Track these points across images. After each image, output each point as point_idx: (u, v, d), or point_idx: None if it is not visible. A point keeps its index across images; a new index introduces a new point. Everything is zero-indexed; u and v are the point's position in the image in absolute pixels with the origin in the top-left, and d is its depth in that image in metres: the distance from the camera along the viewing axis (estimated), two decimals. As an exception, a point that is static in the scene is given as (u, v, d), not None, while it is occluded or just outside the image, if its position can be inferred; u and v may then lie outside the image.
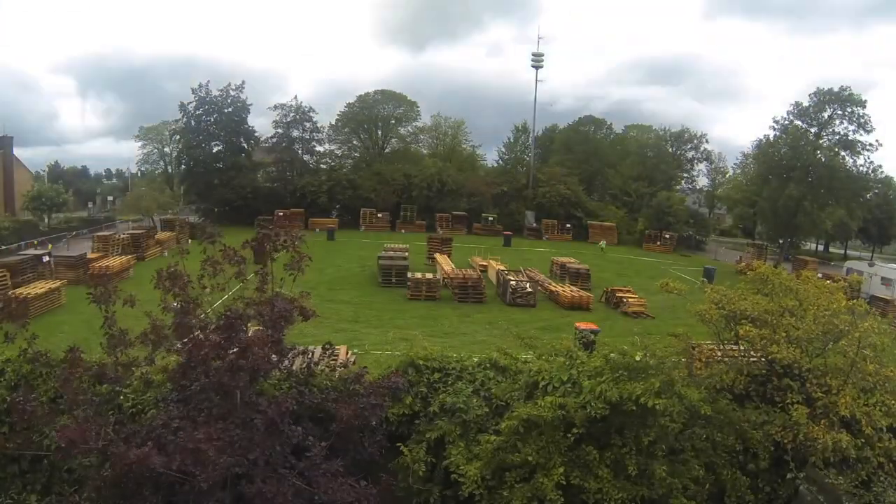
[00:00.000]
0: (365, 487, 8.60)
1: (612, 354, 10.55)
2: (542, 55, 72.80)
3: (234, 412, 8.50)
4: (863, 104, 55.33)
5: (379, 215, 63.52)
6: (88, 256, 35.56)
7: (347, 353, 15.35)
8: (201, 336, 8.99)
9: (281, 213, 50.12)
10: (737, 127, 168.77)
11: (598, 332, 19.91)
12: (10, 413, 10.63)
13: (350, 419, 9.16)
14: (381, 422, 10.44)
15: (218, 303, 10.75)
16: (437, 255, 38.72)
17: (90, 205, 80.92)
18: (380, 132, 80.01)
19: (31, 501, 10.14)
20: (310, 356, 10.33)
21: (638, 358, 10.52)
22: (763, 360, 11.60)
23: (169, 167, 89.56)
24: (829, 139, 57.57)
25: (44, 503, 10.23)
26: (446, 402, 10.68)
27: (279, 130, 71.71)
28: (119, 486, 8.38)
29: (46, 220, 58.14)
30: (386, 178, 66.55)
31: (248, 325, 9.33)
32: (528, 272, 36.23)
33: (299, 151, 72.96)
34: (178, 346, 9.26)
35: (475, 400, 10.68)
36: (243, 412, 8.55)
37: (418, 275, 31.87)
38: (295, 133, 72.48)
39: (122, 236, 41.07)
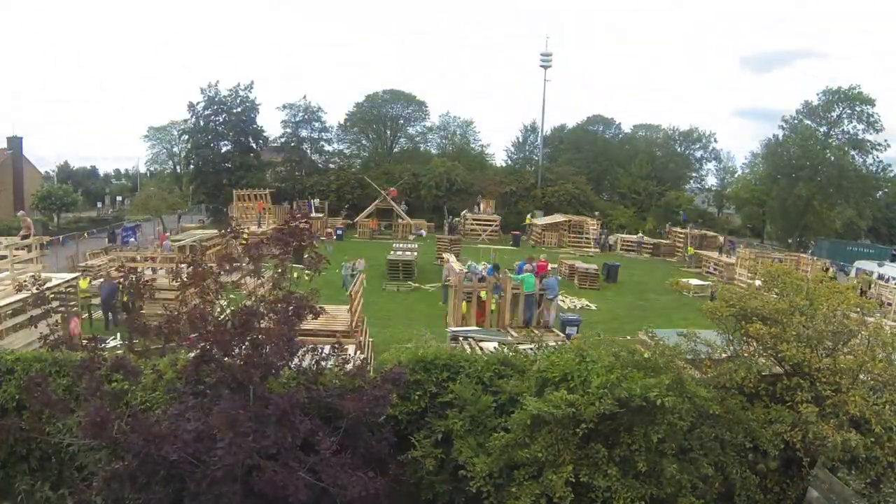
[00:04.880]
0: (373, 479, 8.66)
1: (622, 352, 10.57)
2: (550, 55, 72.67)
3: (248, 406, 8.58)
4: (871, 103, 55.20)
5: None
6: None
7: (356, 352, 15.39)
8: (217, 330, 9.10)
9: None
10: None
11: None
12: (20, 410, 10.76)
13: (356, 414, 9.21)
14: (389, 418, 10.49)
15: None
16: (446, 255, 38.91)
17: (99, 205, 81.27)
18: (388, 132, 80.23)
19: (44, 490, 10.23)
20: (319, 354, 10.37)
21: (647, 355, 10.53)
22: (773, 358, 11.59)
23: (178, 167, 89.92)
24: (837, 138, 57.44)
25: (56, 496, 10.34)
26: (455, 397, 10.72)
27: (288, 130, 71.97)
28: (130, 478, 8.47)
29: (56, 220, 58.48)
30: (395, 177, 66.61)
31: (262, 321, 9.43)
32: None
33: (308, 151, 73.12)
34: (194, 337, 9.39)
35: (484, 396, 10.72)
36: (256, 407, 8.64)
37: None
38: (304, 133, 72.71)
39: None
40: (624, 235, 58.01)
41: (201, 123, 65.71)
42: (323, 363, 10.25)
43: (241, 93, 65.53)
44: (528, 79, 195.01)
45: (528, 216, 61.57)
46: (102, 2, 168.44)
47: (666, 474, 9.47)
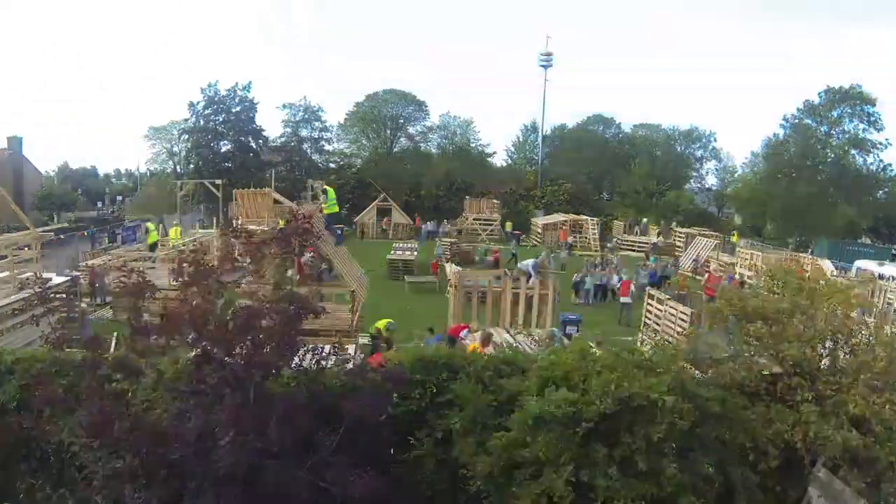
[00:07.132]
0: (374, 478, 8.67)
1: (623, 352, 10.56)
2: (550, 54, 72.68)
3: (249, 406, 8.59)
4: (873, 102, 55.20)
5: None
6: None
7: (356, 352, 15.40)
8: (218, 330, 9.09)
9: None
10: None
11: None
12: (20, 410, 10.76)
13: (356, 413, 9.22)
14: (389, 418, 10.48)
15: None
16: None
17: (99, 204, 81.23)
18: (388, 131, 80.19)
19: (45, 489, 10.23)
20: (319, 353, 10.38)
21: (647, 355, 10.52)
22: (773, 358, 11.58)
23: (178, 167, 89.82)
24: (838, 138, 57.44)
25: (56, 496, 10.34)
26: (455, 396, 10.71)
27: (288, 130, 71.98)
28: (131, 477, 8.48)
29: (56, 220, 58.49)
30: (395, 177, 66.61)
31: (263, 321, 9.42)
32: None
33: (308, 151, 73.09)
34: (193, 336, 9.38)
35: (484, 395, 10.71)
36: (257, 406, 8.65)
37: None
38: (304, 132, 72.71)
39: None
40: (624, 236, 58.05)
41: (201, 123, 65.73)
42: (323, 363, 10.25)
43: (240, 92, 65.57)
44: (529, 79, 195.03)
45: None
46: (102, 2, 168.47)
47: (666, 474, 9.44)
